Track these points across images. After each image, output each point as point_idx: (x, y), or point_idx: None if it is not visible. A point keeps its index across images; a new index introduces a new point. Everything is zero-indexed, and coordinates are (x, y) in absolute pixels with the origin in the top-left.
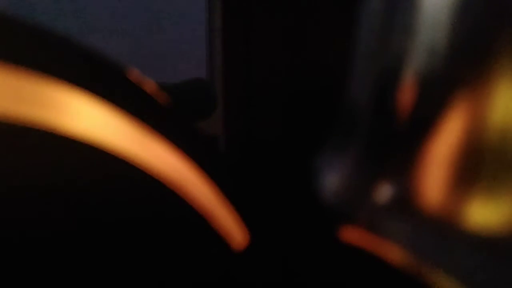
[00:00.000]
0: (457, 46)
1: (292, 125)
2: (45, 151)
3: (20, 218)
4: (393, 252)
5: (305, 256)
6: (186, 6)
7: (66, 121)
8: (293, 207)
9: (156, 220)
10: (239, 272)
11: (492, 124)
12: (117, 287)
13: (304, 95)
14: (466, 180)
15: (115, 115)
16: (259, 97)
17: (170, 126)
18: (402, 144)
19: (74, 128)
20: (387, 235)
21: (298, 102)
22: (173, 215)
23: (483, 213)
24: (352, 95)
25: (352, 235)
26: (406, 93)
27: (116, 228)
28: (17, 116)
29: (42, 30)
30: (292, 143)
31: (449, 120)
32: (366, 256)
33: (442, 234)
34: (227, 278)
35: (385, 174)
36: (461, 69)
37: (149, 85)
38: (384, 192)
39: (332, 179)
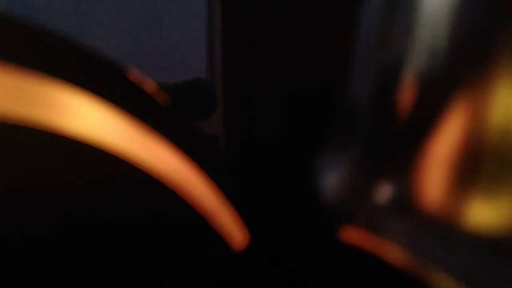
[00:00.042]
0: (457, 46)
1: (292, 125)
2: (45, 151)
3: (20, 218)
4: (393, 252)
5: (305, 256)
6: (186, 6)
7: (66, 121)
8: (293, 207)
9: (156, 220)
10: (239, 272)
11: (492, 124)
12: (117, 287)
13: (304, 95)
14: (466, 180)
15: (115, 115)
16: (259, 97)
17: (170, 126)
18: (402, 144)
19: (74, 128)
20: (387, 235)
21: (298, 102)
22: (173, 215)
23: (483, 213)
24: (352, 95)
25: (352, 235)
26: (406, 93)
27: (116, 228)
28: (17, 116)
29: (42, 30)
30: (292, 143)
31: (449, 120)
32: (366, 256)
33: (442, 234)
34: (227, 278)
35: (385, 174)
36: (461, 69)
37: (149, 85)
38: (384, 192)
39: (332, 179)
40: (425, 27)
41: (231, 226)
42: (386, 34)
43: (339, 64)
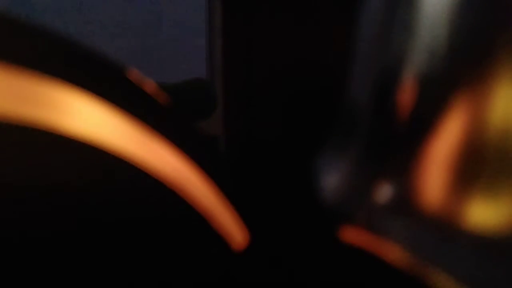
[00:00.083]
0: (457, 46)
1: (292, 125)
2: (45, 151)
3: (20, 218)
4: (393, 252)
5: (305, 256)
6: (186, 6)
7: (66, 121)
8: (293, 207)
9: (156, 220)
10: (239, 272)
11: (492, 124)
12: (117, 287)
13: (304, 95)
14: (466, 180)
15: (115, 115)
16: (259, 97)
17: (170, 126)
18: (402, 144)
19: (74, 128)
20: (387, 235)
21: (298, 102)
22: (173, 215)
23: (483, 213)
24: (352, 95)
25: (352, 235)
26: (406, 93)
27: (116, 228)
28: (17, 116)
29: (42, 30)
30: (292, 143)
31: (449, 120)
32: (366, 256)
33: (442, 234)
34: (227, 278)
35: (385, 174)
36: (461, 69)
37: (149, 85)
38: (384, 192)
39: (332, 179)
40: (425, 27)
41: (231, 226)
42: (386, 34)
43: (339, 64)
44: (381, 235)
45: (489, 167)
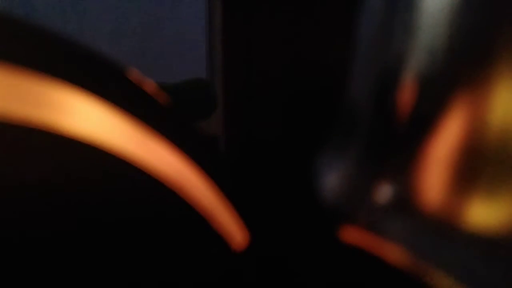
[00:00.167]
0: (457, 46)
1: (292, 125)
2: (45, 151)
3: (20, 218)
4: (393, 252)
5: (305, 256)
6: (186, 6)
7: (66, 121)
8: (293, 207)
9: (156, 220)
10: (239, 272)
11: (492, 124)
12: (117, 287)
13: (304, 95)
14: (466, 180)
15: (115, 115)
16: (259, 97)
17: (170, 126)
18: (402, 144)
19: (74, 128)
20: (387, 235)
21: (298, 102)
22: (173, 215)
23: (483, 213)
24: (352, 95)
25: (352, 235)
26: (406, 93)
27: (116, 228)
28: (17, 116)
29: (42, 30)
30: (292, 143)
31: (449, 120)
32: (366, 256)
33: (442, 234)
34: (227, 278)
35: (385, 174)
36: (461, 69)
37: (149, 85)
38: (384, 192)
39: (332, 179)
40: (425, 27)
41: (231, 226)
42: (386, 34)
43: (339, 64)
44: (381, 235)
45: (489, 167)
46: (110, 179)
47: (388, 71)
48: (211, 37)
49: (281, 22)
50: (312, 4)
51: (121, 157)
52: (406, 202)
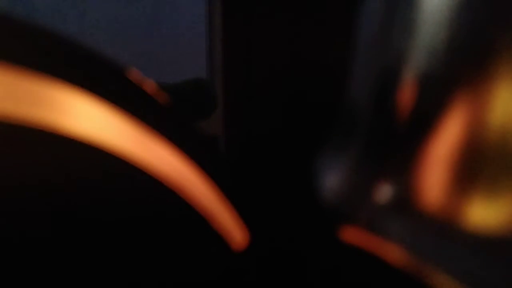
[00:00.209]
0: (457, 46)
1: (292, 125)
2: (45, 151)
3: (20, 218)
4: (393, 252)
5: (305, 256)
6: (186, 6)
7: (66, 121)
8: (293, 207)
9: (156, 220)
10: (239, 272)
11: (492, 124)
12: (117, 287)
13: (304, 95)
14: (466, 180)
15: (115, 115)
16: (259, 97)
17: (170, 126)
18: (402, 144)
19: (74, 128)
20: (387, 235)
21: (298, 102)
22: (173, 215)
23: (483, 213)
24: (352, 95)
25: (352, 235)
26: (406, 93)
27: (116, 228)
28: (17, 116)
29: (42, 30)
30: (292, 143)
31: (449, 120)
32: (366, 256)
33: (442, 234)
34: (227, 278)
35: (385, 174)
36: (461, 69)
37: (149, 85)
38: (384, 192)
39: (332, 179)
40: (425, 27)
41: (231, 226)
42: (386, 34)
43: (339, 64)
44: (381, 235)
45: (489, 167)
46: (110, 179)
47: (388, 71)
48: (211, 37)
49: (281, 22)
50: (312, 4)
51: (121, 157)
52: (406, 202)
